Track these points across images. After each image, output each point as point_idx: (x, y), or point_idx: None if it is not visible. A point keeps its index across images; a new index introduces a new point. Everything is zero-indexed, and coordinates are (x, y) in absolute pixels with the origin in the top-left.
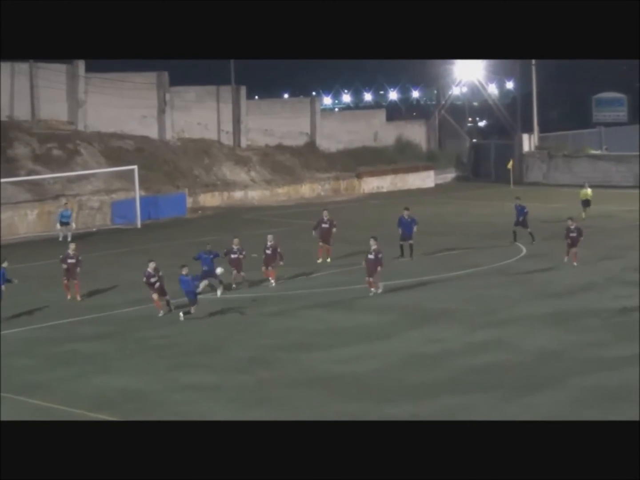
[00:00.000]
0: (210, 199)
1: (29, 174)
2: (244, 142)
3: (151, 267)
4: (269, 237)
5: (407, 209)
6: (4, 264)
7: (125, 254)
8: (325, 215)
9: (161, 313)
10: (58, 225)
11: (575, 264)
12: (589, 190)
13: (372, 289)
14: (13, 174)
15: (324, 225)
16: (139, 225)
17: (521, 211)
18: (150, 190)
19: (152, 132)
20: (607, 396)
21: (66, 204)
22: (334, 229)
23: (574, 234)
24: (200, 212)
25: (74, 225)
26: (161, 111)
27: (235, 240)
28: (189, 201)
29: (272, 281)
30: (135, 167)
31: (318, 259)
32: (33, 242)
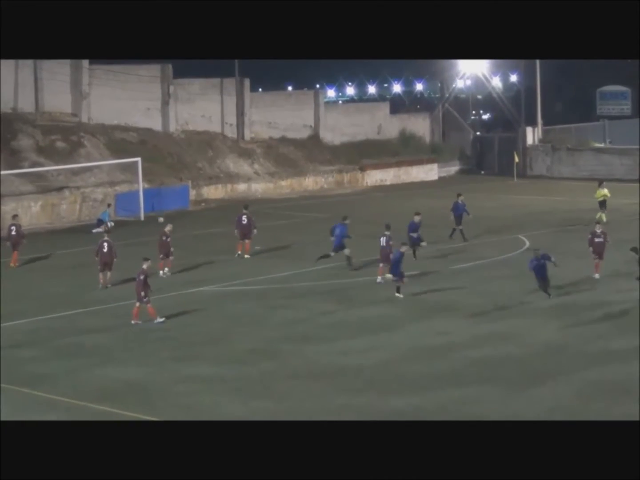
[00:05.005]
0: (214, 192)
1: (32, 166)
2: (247, 135)
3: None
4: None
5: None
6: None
7: (128, 246)
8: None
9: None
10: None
11: (597, 275)
12: (606, 190)
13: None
14: (17, 166)
15: (244, 223)
16: (142, 217)
17: (459, 209)
18: (153, 182)
19: (156, 125)
20: (611, 389)
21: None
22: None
23: (599, 239)
24: (203, 204)
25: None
26: (165, 103)
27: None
28: (192, 193)
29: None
30: (139, 159)
31: (237, 253)
32: (37, 234)
